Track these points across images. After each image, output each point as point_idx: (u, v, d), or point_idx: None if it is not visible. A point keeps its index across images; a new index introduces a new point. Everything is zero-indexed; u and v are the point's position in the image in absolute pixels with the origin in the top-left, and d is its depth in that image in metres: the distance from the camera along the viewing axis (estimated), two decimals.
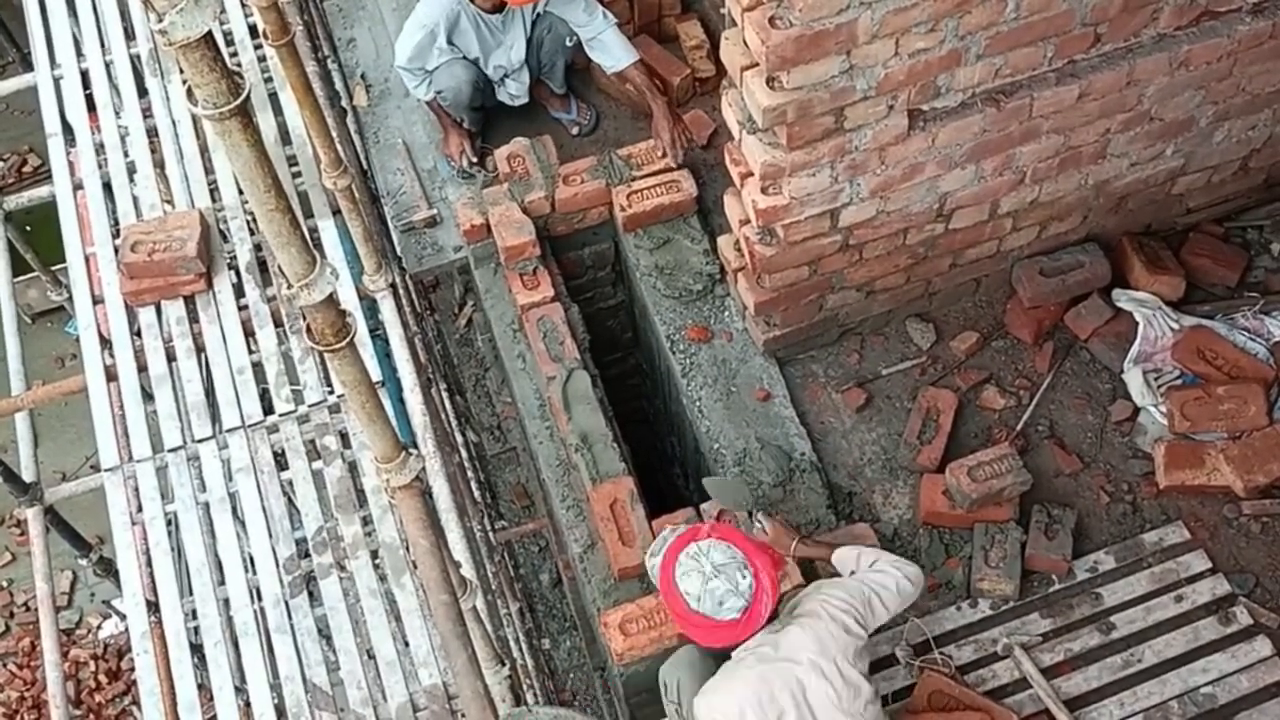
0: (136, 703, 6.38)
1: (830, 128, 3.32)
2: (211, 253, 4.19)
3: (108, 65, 4.78)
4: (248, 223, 4.26)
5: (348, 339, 2.05)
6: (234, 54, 4.77)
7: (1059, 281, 4.14)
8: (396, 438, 2.35)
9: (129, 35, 4.86)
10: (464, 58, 4.55)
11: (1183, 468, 3.82)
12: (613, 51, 4.44)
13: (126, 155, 4.54)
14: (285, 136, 4.48)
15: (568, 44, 4.60)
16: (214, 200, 4.34)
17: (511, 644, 3.84)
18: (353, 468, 3.82)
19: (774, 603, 2.97)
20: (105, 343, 4.14)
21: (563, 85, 4.83)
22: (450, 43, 4.49)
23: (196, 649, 3.57)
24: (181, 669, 3.50)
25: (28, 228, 4.88)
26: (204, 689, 3.58)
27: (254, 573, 3.67)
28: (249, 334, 4.10)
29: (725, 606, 2.91)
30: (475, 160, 4.76)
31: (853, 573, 3.26)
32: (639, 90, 4.47)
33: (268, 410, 3.95)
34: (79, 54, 4.85)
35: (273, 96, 4.64)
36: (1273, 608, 3.67)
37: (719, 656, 3.14)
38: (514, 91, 4.77)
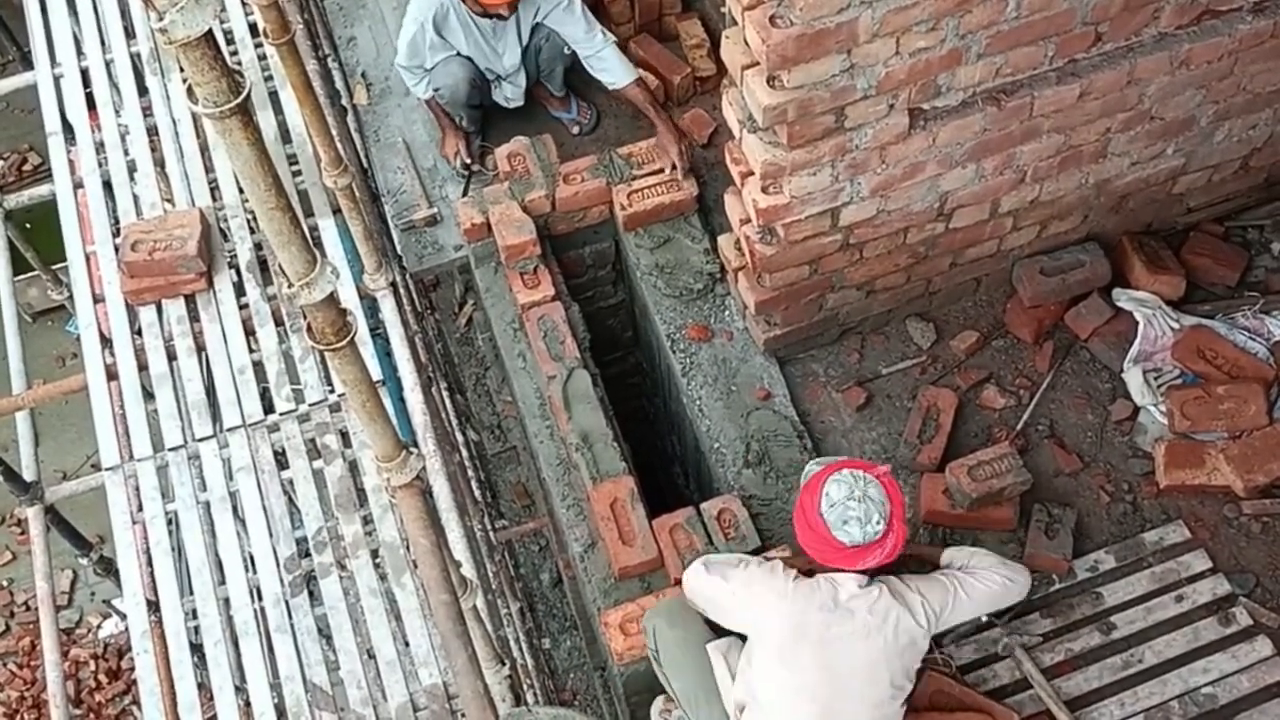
0: (137, 702, 6.38)
1: (831, 127, 3.32)
2: (212, 251, 4.19)
3: (108, 63, 4.78)
4: (248, 221, 4.26)
5: (348, 338, 2.05)
6: (234, 52, 4.77)
7: (1059, 281, 4.14)
8: (397, 437, 2.35)
9: (129, 33, 4.86)
10: (460, 55, 4.54)
11: (1183, 467, 3.82)
12: (613, 70, 4.43)
13: (127, 154, 4.54)
14: (285, 135, 4.48)
15: (566, 52, 4.59)
16: (214, 199, 4.34)
17: (511, 643, 3.84)
18: (353, 467, 3.82)
19: (884, 561, 3.03)
20: (106, 341, 4.15)
21: (562, 88, 4.83)
22: (441, 36, 4.48)
23: (196, 648, 3.57)
24: (182, 668, 3.50)
25: (27, 225, 4.88)
26: (204, 688, 3.58)
27: (254, 572, 3.67)
28: (250, 333, 4.10)
29: (844, 528, 2.98)
30: (469, 162, 4.75)
31: (959, 567, 3.35)
32: (639, 109, 4.45)
33: (268, 409, 3.95)
34: (79, 52, 4.85)
35: (273, 95, 4.64)
36: (1273, 608, 3.67)
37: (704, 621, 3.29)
38: (509, 95, 4.76)
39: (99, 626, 6.96)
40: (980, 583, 3.24)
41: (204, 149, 4.52)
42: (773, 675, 3.08)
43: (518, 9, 4.39)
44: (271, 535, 3.68)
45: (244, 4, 4.85)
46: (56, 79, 4.78)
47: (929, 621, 3.12)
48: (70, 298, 4.62)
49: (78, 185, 4.52)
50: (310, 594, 3.61)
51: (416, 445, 3.76)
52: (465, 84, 4.54)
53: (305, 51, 4.21)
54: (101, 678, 6.81)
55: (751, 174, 3.54)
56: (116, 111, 4.66)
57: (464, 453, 4.51)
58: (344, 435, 3.87)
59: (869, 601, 3.06)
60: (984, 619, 3.64)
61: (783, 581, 3.12)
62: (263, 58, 4.72)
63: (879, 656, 3.06)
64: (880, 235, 3.82)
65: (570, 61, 4.67)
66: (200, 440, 3.88)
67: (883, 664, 3.07)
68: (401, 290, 4.23)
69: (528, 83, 4.75)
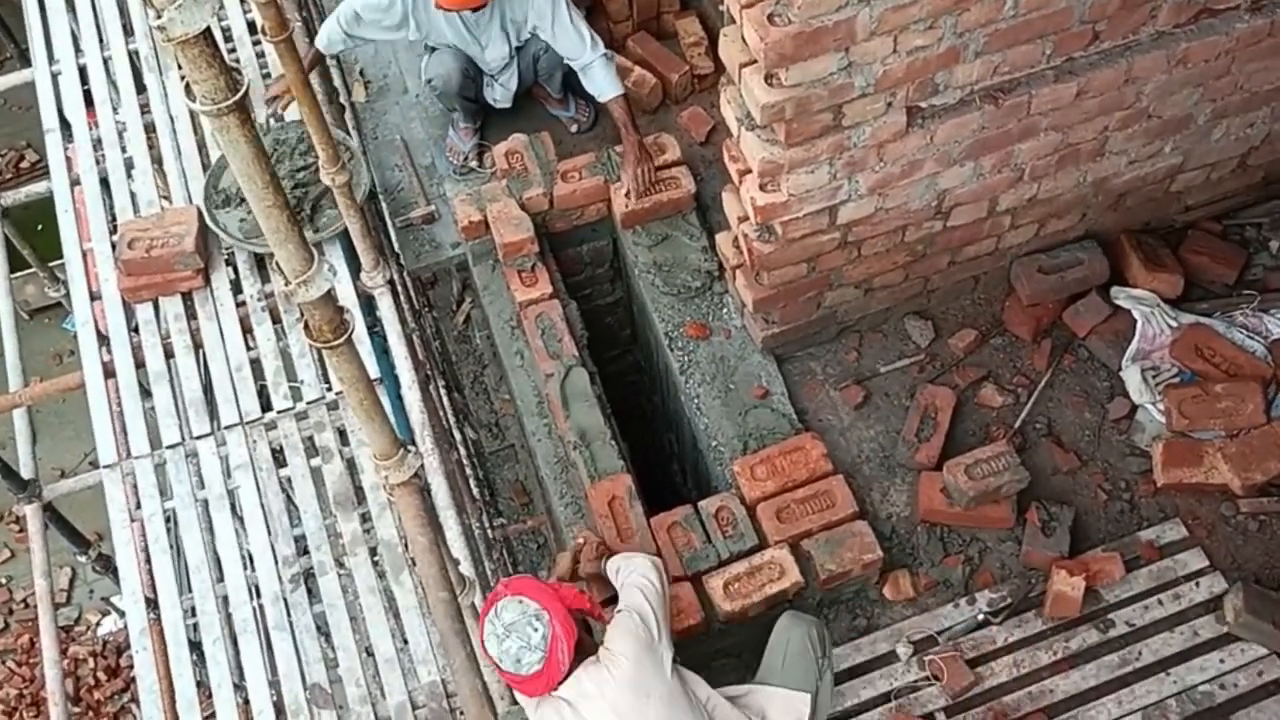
0: (136, 700, 6.38)
1: (829, 125, 3.32)
2: (209, 249, 4.19)
3: (106, 61, 4.79)
4: None
5: (346, 336, 2.05)
6: (232, 50, 4.77)
7: (1057, 279, 4.14)
8: (395, 435, 2.35)
9: (127, 31, 4.86)
10: (451, 46, 4.52)
11: (1180, 465, 3.82)
12: (598, 83, 4.40)
13: (124, 151, 4.54)
14: None
15: (565, 60, 4.57)
16: None
17: None
18: (351, 465, 3.82)
19: (571, 646, 2.93)
20: (103, 339, 4.15)
21: (561, 90, 4.82)
22: (416, 20, 4.40)
23: (195, 646, 3.58)
24: (180, 666, 3.51)
25: (39, 226, 4.88)
26: (203, 686, 3.59)
27: (252, 570, 3.67)
28: (247, 330, 4.10)
29: (524, 663, 2.90)
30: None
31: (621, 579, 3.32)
32: (616, 123, 4.44)
33: (266, 407, 3.96)
34: (77, 50, 4.85)
35: None
36: None
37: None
38: (498, 96, 4.74)
39: (98, 624, 6.97)
40: (640, 580, 3.21)
41: (201, 146, 4.53)
42: None
43: (490, 7, 4.35)
44: (270, 533, 3.69)
45: (242, 1, 4.85)
46: (54, 76, 4.79)
47: (652, 637, 3.06)
48: (67, 295, 4.62)
49: (75, 182, 4.52)
50: (309, 592, 3.62)
51: (414, 443, 3.77)
52: (457, 74, 4.52)
53: (303, 49, 4.21)
54: (100, 675, 6.81)
55: (749, 172, 3.54)
56: (114, 109, 4.67)
57: (462, 451, 4.51)
58: (342, 433, 3.87)
59: (599, 683, 2.97)
60: (980, 618, 3.65)
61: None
62: (261, 55, 4.73)
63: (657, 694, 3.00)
64: (878, 233, 3.82)
65: (569, 67, 4.65)
66: (198, 438, 3.88)
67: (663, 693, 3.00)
68: (399, 288, 4.23)
69: (520, 86, 4.73)
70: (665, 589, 3.27)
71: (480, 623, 2.99)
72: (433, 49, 4.57)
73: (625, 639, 3.04)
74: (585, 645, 3.04)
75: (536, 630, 2.90)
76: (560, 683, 2.96)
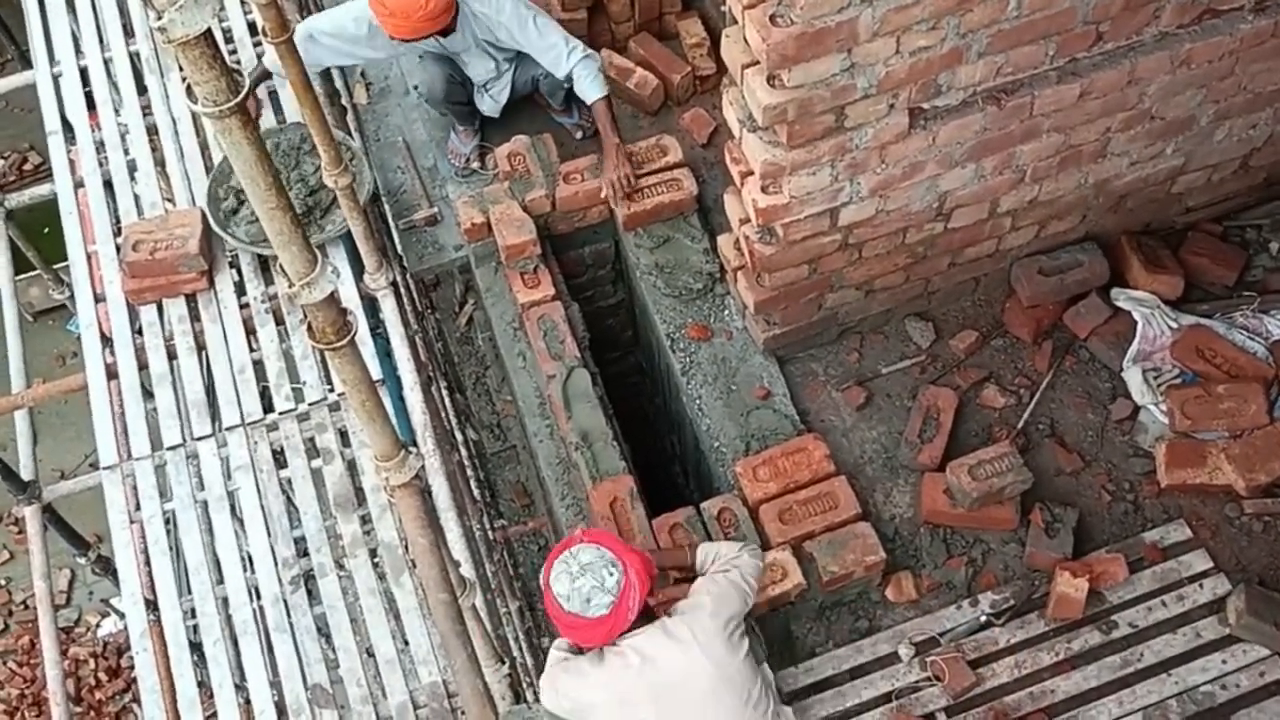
0: (137, 700, 6.39)
1: (831, 126, 3.32)
2: (213, 250, 4.20)
3: (107, 63, 4.79)
4: None
5: (348, 337, 2.05)
6: (233, 51, 4.77)
7: (1058, 280, 4.14)
8: (396, 436, 2.35)
9: (128, 32, 4.86)
10: (437, 54, 4.52)
11: (1184, 466, 3.82)
12: (580, 86, 4.40)
13: (127, 153, 4.54)
14: None
15: (565, 85, 4.57)
16: None
17: (511, 642, 3.84)
18: (352, 466, 3.82)
19: (643, 598, 2.99)
20: (106, 341, 4.15)
21: (564, 101, 4.81)
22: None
23: (196, 647, 3.58)
24: (181, 667, 3.51)
25: (45, 229, 4.88)
26: (204, 686, 3.59)
27: (253, 571, 3.67)
28: (250, 332, 4.10)
29: (593, 604, 2.94)
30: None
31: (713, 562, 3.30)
32: (598, 126, 4.43)
33: (268, 408, 3.96)
34: (78, 51, 4.85)
35: (272, 94, 4.65)
36: None
37: None
38: (487, 107, 4.75)
39: (98, 625, 6.97)
40: (735, 570, 3.19)
41: (204, 148, 4.53)
42: None
43: (460, 29, 4.34)
44: (270, 534, 3.69)
45: (243, 2, 4.85)
46: (56, 78, 4.79)
47: (720, 618, 3.05)
48: (71, 297, 4.62)
49: (78, 185, 4.52)
50: (309, 593, 3.62)
51: (415, 444, 3.77)
52: (442, 82, 4.53)
53: None
54: (101, 676, 6.81)
55: (751, 174, 3.54)
56: (116, 111, 4.67)
57: (463, 452, 4.51)
58: (343, 434, 3.87)
59: (664, 641, 3.00)
60: (982, 619, 3.64)
61: (586, 670, 3.05)
62: (261, 56, 4.72)
63: (709, 680, 3.00)
64: (879, 235, 3.82)
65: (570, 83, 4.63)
66: (199, 439, 3.88)
67: (720, 682, 3.00)
68: (402, 290, 4.24)
69: (513, 96, 4.73)
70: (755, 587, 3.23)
71: (550, 561, 3.01)
72: (421, 56, 4.57)
73: (711, 596, 3.06)
74: (650, 611, 3.07)
75: (612, 575, 2.94)
76: (621, 635, 2.98)
